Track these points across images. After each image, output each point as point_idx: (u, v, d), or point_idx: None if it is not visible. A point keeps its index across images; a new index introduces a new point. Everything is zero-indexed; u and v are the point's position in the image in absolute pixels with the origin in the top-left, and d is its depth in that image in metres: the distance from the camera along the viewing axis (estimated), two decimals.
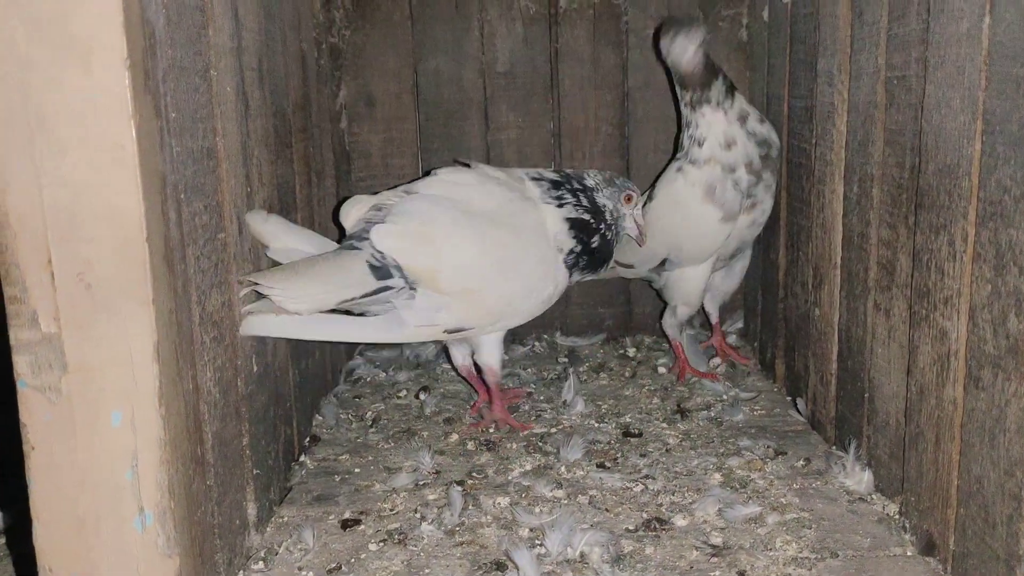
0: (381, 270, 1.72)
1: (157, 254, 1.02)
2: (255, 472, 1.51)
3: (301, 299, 1.60)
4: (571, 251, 1.90)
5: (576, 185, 1.93)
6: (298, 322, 1.61)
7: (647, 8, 2.37)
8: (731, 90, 2.01)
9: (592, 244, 1.92)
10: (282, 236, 1.67)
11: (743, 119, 2.00)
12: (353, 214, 1.86)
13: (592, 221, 1.92)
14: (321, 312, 1.67)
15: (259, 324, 1.54)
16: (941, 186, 1.30)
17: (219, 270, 1.38)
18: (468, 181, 1.89)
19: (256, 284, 1.54)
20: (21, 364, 0.99)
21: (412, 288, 1.74)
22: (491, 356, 1.97)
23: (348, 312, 1.77)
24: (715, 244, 2.08)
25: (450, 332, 1.82)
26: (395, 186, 1.94)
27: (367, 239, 1.75)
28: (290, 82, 1.92)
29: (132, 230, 0.97)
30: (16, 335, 0.99)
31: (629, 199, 1.96)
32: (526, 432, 1.95)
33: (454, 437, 1.95)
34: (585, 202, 1.91)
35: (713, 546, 1.44)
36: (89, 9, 0.93)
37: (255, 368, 1.54)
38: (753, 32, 2.34)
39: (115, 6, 0.92)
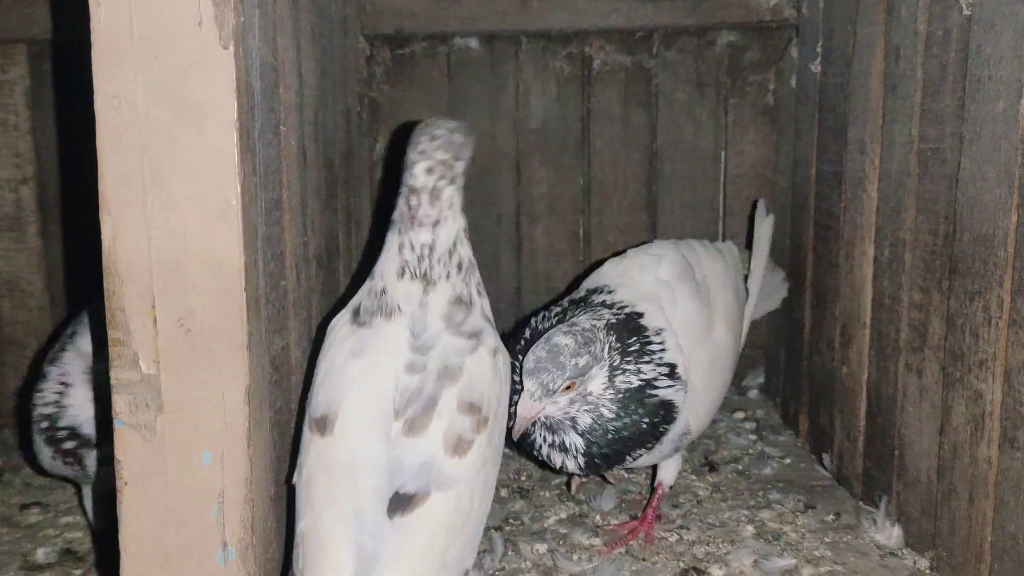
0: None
1: (251, 302, 1.08)
2: None
3: None
4: None
5: None
6: None
7: (677, 72, 2.46)
8: None
9: None
10: None
11: None
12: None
13: None
14: None
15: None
16: (976, 254, 1.37)
17: (280, 316, 1.44)
18: None
19: None
20: (119, 403, 1.04)
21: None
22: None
23: None
24: None
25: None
26: None
27: None
28: (337, 135, 2.00)
29: (233, 280, 1.04)
30: (117, 375, 1.04)
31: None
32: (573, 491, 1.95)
33: None
34: None
35: None
36: (206, 73, 1.00)
37: None
38: (780, 98, 2.43)
39: (229, 72, 1.00)
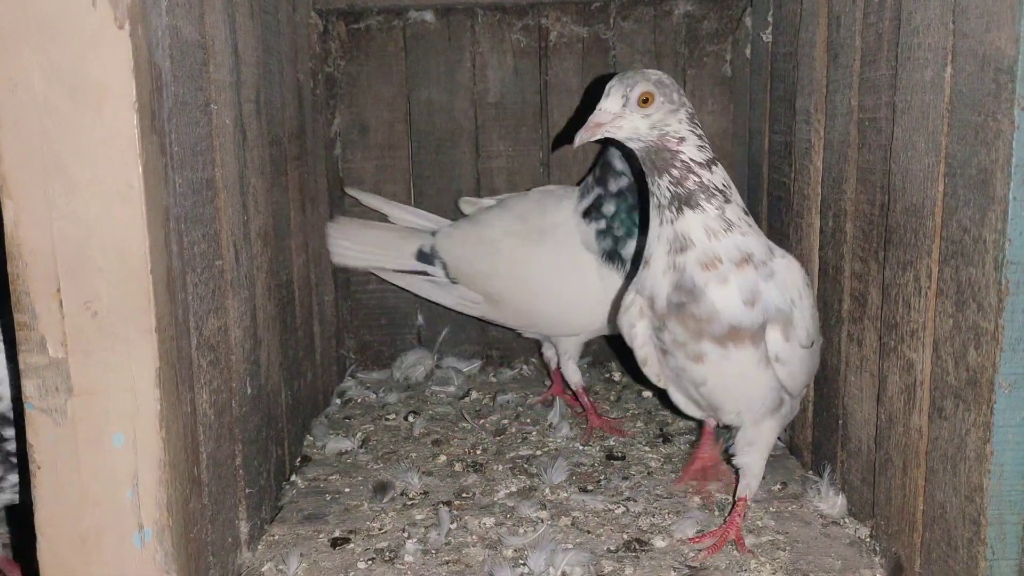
0: (427, 257, 2.30)
1: (160, 284, 1.08)
2: (247, 491, 1.56)
3: (351, 250, 2.39)
4: (599, 233, 2.04)
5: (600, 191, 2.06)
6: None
7: (634, 43, 2.44)
8: None
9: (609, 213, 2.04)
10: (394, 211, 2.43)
11: None
12: (464, 209, 2.40)
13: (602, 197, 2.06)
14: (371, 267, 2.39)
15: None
16: (908, 224, 1.37)
17: (216, 296, 1.44)
18: (534, 197, 2.25)
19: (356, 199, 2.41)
20: (29, 387, 1.04)
21: (454, 282, 2.28)
22: (565, 361, 2.22)
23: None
24: None
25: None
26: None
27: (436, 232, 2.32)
28: (286, 112, 1.98)
29: (137, 263, 1.03)
30: (25, 360, 1.04)
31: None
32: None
33: (442, 458, 2.00)
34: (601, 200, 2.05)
35: (690, 567, 1.49)
36: (102, 55, 0.99)
37: (249, 390, 1.59)
38: (736, 68, 2.41)
39: (126, 53, 0.99)
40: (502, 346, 2.62)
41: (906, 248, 1.38)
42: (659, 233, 1.49)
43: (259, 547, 1.60)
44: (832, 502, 1.66)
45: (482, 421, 2.22)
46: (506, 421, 2.22)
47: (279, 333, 1.84)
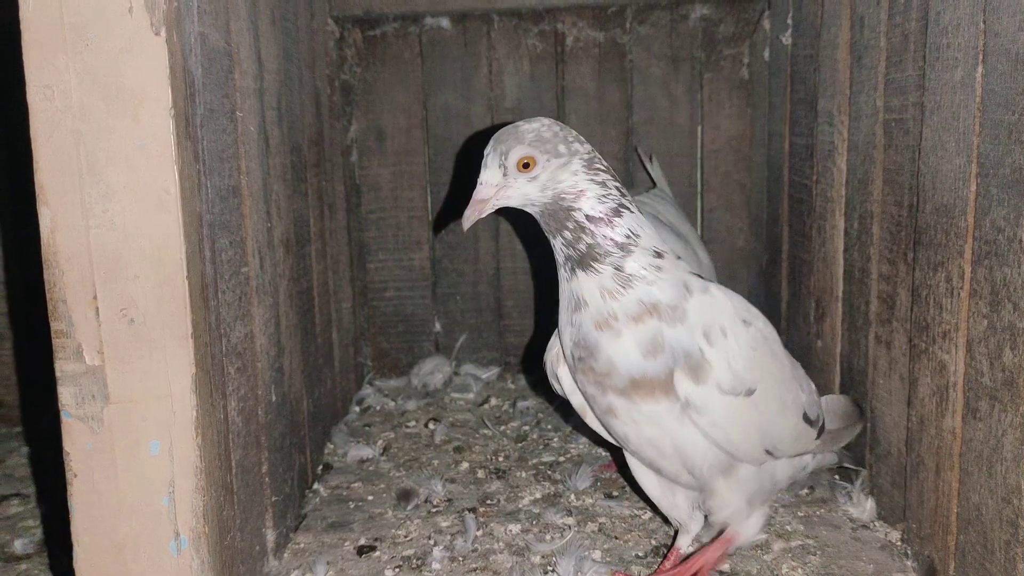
0: None
1: (195, 290, 1.07)
2: (273, 499, 1.55)
3: None
4: None
5: None
6: None
7: (651, 47, 2.44)
8: None
9: None
10: None
11: None
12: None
13: None
14: None
15: None
16: (938, 225, 1.36)
17: (242, 303, 1.44)
18: None
19: None
20: (65, 395, 1.04)
21: None
22: None
23: None
24: None
25: None
26: None
27: None
28: (305, 119, 1.98)
29: (173, 269, 1.03)
30: (61, 367, 1.04)
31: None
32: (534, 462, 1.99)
33: (464, 465, 1.99)
34: None
35: (721, 572, 1.48)
36: (138, 62, 0.99)
37: (273, 398, 1.59)
38: (754, 71, 2.41)
39: (162, 59, 0.99)
40: (520, 353, 2.61)
41: (937, 249, 1.37)
42: (561, 288, 1.36)
43: (285, 555, 1.59)
44: (862, 506, 1.65)
45: (503, 427, 2.21)
46: (527, 427, 2.21)
47: (300, 340, 1.84)
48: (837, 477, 1.82)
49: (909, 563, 1.49)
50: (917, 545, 1.47)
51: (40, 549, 1.75)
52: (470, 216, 1.34)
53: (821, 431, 1.49)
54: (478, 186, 1.34)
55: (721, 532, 1.47)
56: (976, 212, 1.26)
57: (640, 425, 1.35)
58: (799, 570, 1.47)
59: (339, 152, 2.41)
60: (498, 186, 1.32)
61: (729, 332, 1.32)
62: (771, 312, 2.25)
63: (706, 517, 1.48)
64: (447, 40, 2.45)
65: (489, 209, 1.34)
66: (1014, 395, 1.17)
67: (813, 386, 1.51)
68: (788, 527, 1.63)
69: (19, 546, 1.75)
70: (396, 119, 2.50)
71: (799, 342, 2.06)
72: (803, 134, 1.97)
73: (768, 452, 1.39)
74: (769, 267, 2.26)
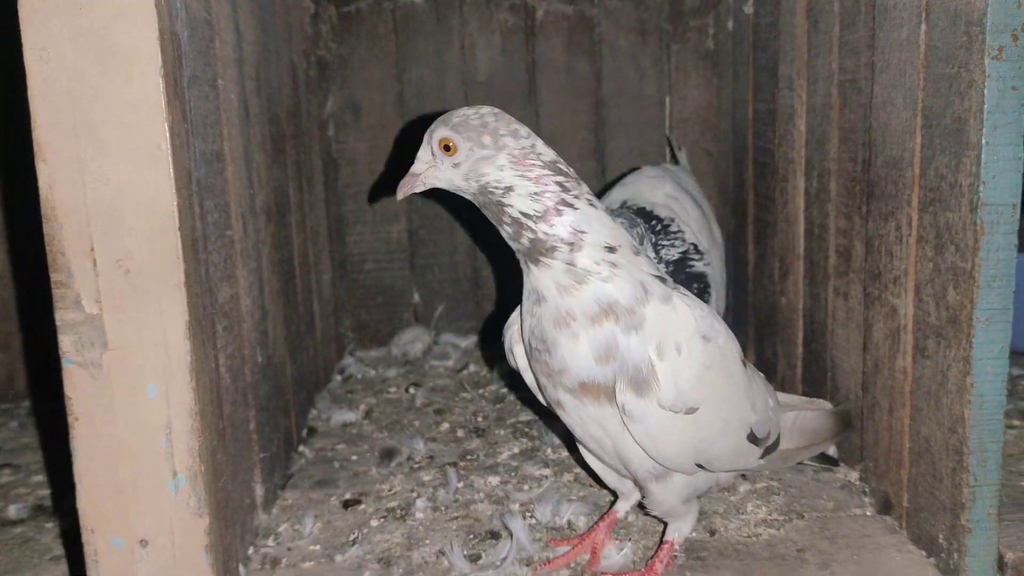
0: None
1: (187, 242, 1.13)
2: (261, 456, 1.61)
3: None
4: None
5: None
6: None
7: (619, 20, 2.51)
8: None
9: None
10: None
11: None
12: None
13: None
14: None
15: None
16: (888, 177, 1.44)
17: (228, 264, 1.49)
18: None
19: None
20: (66, 343, 1.10)
21: None
22: None
23: None
24: None
25: None
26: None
27: None
28: (283, 91, 2.03)
29: (166, 220, 1.09)
30: (61, 316, 1.10)
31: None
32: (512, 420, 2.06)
33: (445, 426, 2.06)
34: None
35: None
36: (129, 23, 1.04)
37: (259, 359, 1.65)
38: (719, 42, 2.48)
39: (151, 22, 1.04)
40: (499, 321, 2.68)
41: (887, 200, 1.45)
42: (524, 279, 1.35)
43: (274, 510, 1.66)
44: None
45: (481, 391, 2.28)
46: (504, 390, 2.29)
47: (283, 307, 1.90)
48: None
49: (867, 499, 1.58)
50: (874, 482, 1.56)
51: (34, 514, 1.80)
52: (401, 189, 1.35)
53: (771, 449, 1.48)
54: (416, 161, 1.34)
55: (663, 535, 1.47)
56: (921, 162, 1.34)
57: (585, 422, 1.36)
58: (763, 508, 1.56)
59: (316, 127, 2.46)
60: (428, 164, 1.31)
61: (684, 349, 1.27)
62: (739, 275, 2.34)
63: None
64: (420, 15, 2.51)
65: (420, 186, 1.33)
66: (957, 331, 1.25)
67: (773, 402, 1.49)
68: None
69: (13, 511, 1.80)
70: (371, 94, 2.55)
71: (765, 301, 2.14)
72: (765, 100, 2.05)
73: (700, 466, 1.37)
74: (736, 231, 2.34)
